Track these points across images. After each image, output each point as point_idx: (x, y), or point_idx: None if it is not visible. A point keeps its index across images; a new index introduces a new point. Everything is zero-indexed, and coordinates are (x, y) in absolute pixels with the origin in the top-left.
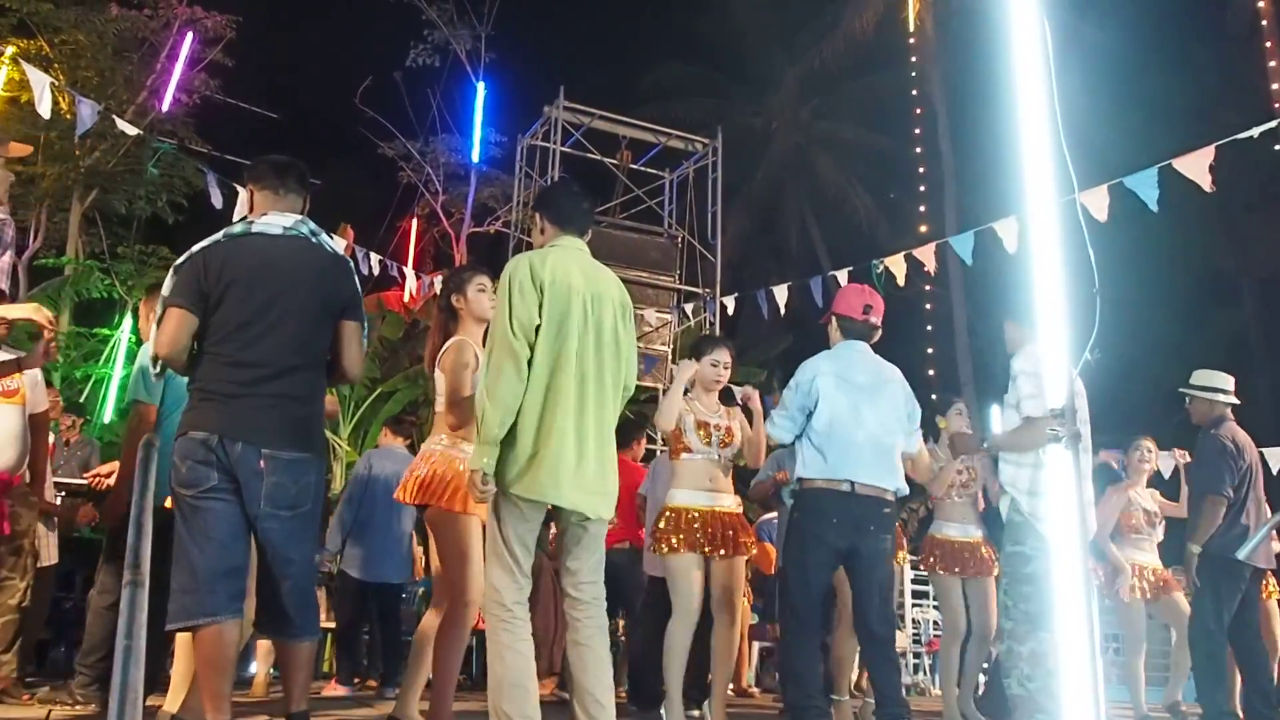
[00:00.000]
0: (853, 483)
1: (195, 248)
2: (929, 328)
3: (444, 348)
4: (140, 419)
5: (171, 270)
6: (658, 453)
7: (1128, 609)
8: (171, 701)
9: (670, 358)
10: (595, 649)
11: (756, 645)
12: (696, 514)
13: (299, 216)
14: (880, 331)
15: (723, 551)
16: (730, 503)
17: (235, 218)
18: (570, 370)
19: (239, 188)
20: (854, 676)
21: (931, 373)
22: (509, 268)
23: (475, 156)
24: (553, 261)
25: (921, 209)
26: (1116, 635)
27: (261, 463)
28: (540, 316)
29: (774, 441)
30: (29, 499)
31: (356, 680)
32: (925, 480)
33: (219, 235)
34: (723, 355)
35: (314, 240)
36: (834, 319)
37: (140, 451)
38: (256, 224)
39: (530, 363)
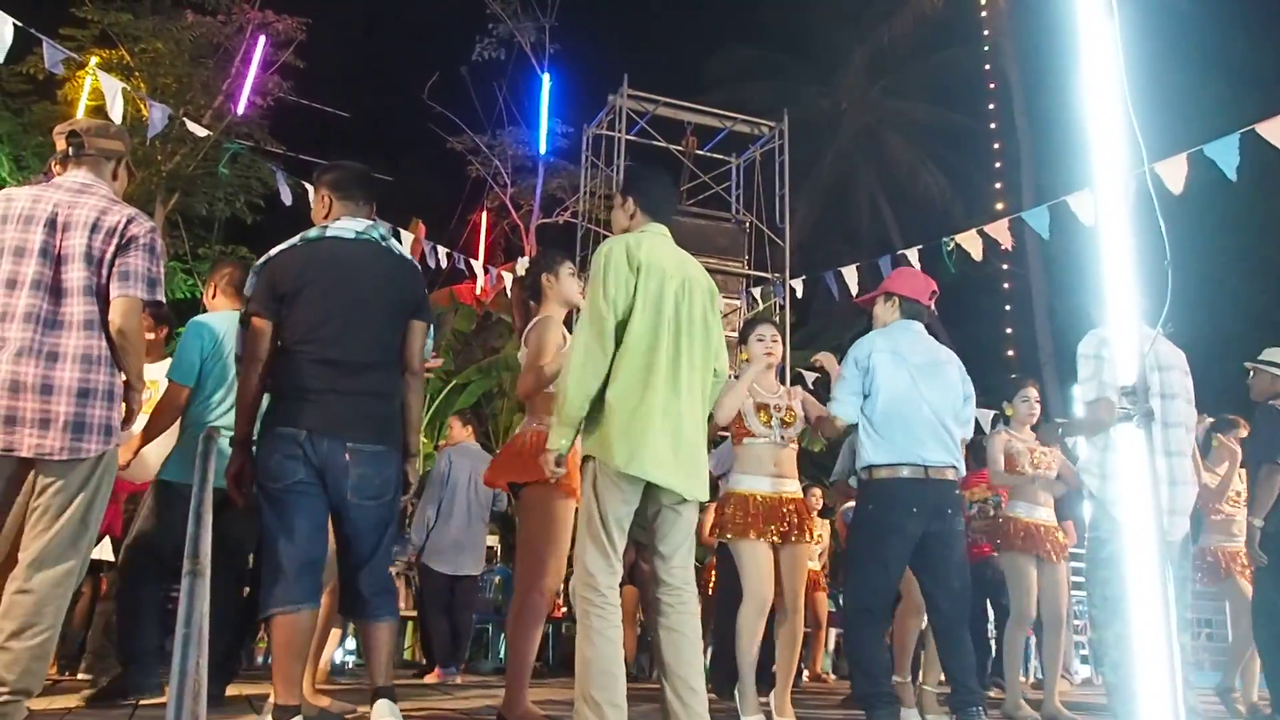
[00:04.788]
0: (926, 466)
1: (273, 251)
2: (1007, 307)
3: (531, 323)
4: (171, 398)
5: (251, 272)
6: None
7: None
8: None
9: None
10: (688, 634)
11: (834, 632)
12: (760, 499)
13: (370, 221)
14: (935, 314)
15: (786, 537)
16: (794, 487)
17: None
18: (665, 352)
19: (308, 186)
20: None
21: (1011, 353)
22: (604, 247)
23: (542, 148)
24: (648, 245)
25: (997, 186)
26: (1210, 620)
27: (347, 455)
28: (635, 297)
29: (840, 422)
30: None
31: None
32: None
33: (295, 240)
34: (767, 330)
35: (384, 244)
36: (896, 299)
37: (200, 445)
38: (331, 229)
39: (624, 343)
